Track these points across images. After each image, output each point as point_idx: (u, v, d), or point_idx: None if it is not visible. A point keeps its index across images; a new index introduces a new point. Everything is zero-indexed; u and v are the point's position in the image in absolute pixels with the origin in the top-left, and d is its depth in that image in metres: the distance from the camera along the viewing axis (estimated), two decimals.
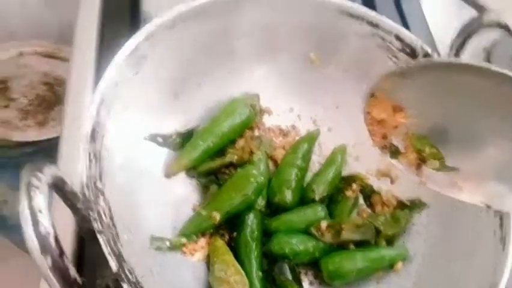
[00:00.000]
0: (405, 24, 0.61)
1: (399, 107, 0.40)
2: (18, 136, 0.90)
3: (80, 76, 0.57)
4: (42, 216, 0.25)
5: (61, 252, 0.26)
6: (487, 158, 0.39)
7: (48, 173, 0.28)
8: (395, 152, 0.42)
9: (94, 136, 0.38)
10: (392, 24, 0.49)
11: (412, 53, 0.50)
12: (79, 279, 0.28)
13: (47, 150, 0.93)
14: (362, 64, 0.53)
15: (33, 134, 0.91)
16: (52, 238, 0.26)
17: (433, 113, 0.40)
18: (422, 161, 0.41)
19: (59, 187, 0.31)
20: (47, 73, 1.01)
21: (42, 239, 0.25)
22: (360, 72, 0.54)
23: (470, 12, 0.63)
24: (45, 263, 0.26)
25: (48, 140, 0.92)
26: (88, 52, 0.59)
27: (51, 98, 0.98)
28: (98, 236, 0.33)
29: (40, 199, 0.26)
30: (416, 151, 0.40)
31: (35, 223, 0.25)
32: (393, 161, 0.41)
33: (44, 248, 0.25)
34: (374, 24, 0.50)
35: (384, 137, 0.42)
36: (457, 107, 0.38)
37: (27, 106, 0.96)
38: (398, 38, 0.49)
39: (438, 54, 0.49)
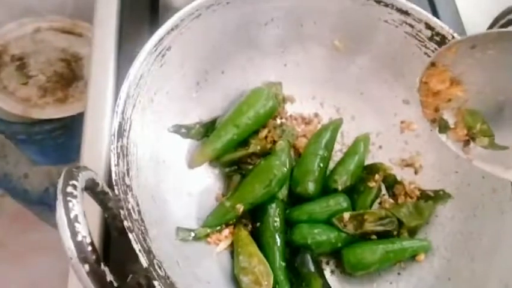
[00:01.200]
0: (435, 12, 0.59)
1: (458, 81, 0.39)
2: (37, 113, 0.91)
3: (102, 54, 0.57)
4: (79, 225, 0.26)
5: (98, 259, 0.27)
6: None
7: (82, 178, 0.29)
8: (444, 127, 0.41)
9: (120, 133, 0.38)
10: (422, 12, 0.48)
11: (442, 41, 0.48)
12: (114, 282, 0.28)
13: (67, 126, 0.94)
14: (389, 52, 0.52)
15: (52, 112, 0.92)
16: (89, 246, 0.26)
17: (493, 89, 0.39)
18: (471, 138, 0.40)
19: (91, 189, 0.31)
20: (64, 49, 1.00)
21: (80, 247, 0.26)
22: (386, 60, 0.53)
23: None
24: (83, 269, 0.26)
25: (68, 116, 0.92)
26: (109, 29, 0.59)
27: (69, 75, 0.98)
28: (129, 234, 0.34)
29: (77, 208, 0.26)
30: (466, 127, 0.40)
31: (73, 233, 0.26)
32: (441, 136, 0.41)
33: (82, 256, 0.26)
34: (404, 12, 0.48)
35: (436, 110, 0.41)
36: None
37: (45, 83, 0.96)
38: (428, 26, 0.48)
39: None
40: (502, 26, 0.44)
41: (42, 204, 1.09)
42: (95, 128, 0.51)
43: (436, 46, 0.49)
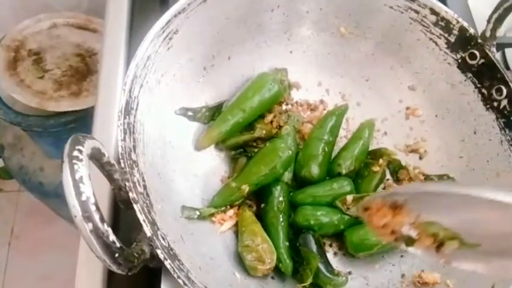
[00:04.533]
0: None
1: (400, 205, 0.37)
2: (53, 106, 0.93)
3: (113, 48, 0.58)
4: (84, 186, 0.27)
5: (101, 218, 0.28)
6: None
7: (88, 145, 0.30)
8: (409, 241, 0.38)
9: (127, 110, 0.39)
10: None
11: (447, 26, 0.48)
12: (117, 242, 0.30)
13: (81, 120, 0.96)
14: (394, 37, 0.52)
15: (67, 105, 0.94)
16: (93, 205, 0.27)
17: (434, 206, 0.36)
18: (440, 243, 0.37)
19: (97, 158, 0.33)
20: (79, 44, 1.03)
21: (84, 206, 0.27)
22: (391, 46, 0.53)
23: None
24: (86, 227, 0.27)
25: (82, 110, 0.95)
26: (120, 23, 0.60)
27: (83, 69, 1.00)
28: (134, 204, 0.35)
29: (82, 170, 0.27)
30: (430, 236, 0.37)
31: (78, 192, 0.27)
32: (410, 249, 0.38)
33: (86, 215, 0.27)
34: None
35: (393, 232, 0.38)
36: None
37: (60, 77, 0.98)
38: (433, 11, 0.48)
39: (475, 29, 0.47)
40: (506, 10, 0.44)
41: (57, 196, 1.11)
42: (106, 116, 0.52)
43: (441, 31, 0.49)
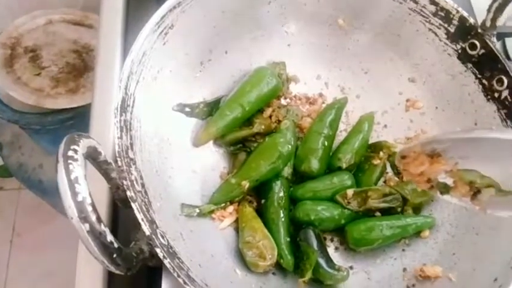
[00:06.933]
0: None
1: (437, 153, 0.36)
2: (50, 104, 0.92)
3: (108, 44, 0.58)
4: (79, 186, 0.27)
5: (98, 219, 0.28)
6: None
7: (83, 144, 0.29)
8: (444, 188, 0.38)
9: (123, 107, 0.39)
10: None
11: (447, 16, 0.48)
12: (115, 242, 0.29)
13: (79, 116, 0.96)
14: (393, 28, 0.52)
15: (64, 102, 0.93)
16: (89, 206, 0.27)
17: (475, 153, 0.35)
18: (476, 191, 0.37)
19: (93, 157, 0.32)
20: (76, 41, 1.02)
21: (80, 207, 0.27)
22: (391, 37, 0.52)
23: None
24: (83, 228, 0.27)
25: (80, 106, 0.94)
26: (116, 19, 0.60)
27: (80, 66, 1.00)
28: (132, 203, 0.34)
29: (77, 170, 0.27)
30: (467, 184, 0.37)
31: (73, 193, 0.26)
32: (445, 197, 0.38)
33: (82, 215, 0.27)
34: None
35: (429, 181, 0.38)
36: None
37: (57, 74, 0.98)
38: (432, 1, 0.47)
39: (475, 18, 0.47)
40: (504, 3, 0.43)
41: (57, 194, 1.10)
42: (103, 113, 0.52)
43: (441, 22, 0.48)
